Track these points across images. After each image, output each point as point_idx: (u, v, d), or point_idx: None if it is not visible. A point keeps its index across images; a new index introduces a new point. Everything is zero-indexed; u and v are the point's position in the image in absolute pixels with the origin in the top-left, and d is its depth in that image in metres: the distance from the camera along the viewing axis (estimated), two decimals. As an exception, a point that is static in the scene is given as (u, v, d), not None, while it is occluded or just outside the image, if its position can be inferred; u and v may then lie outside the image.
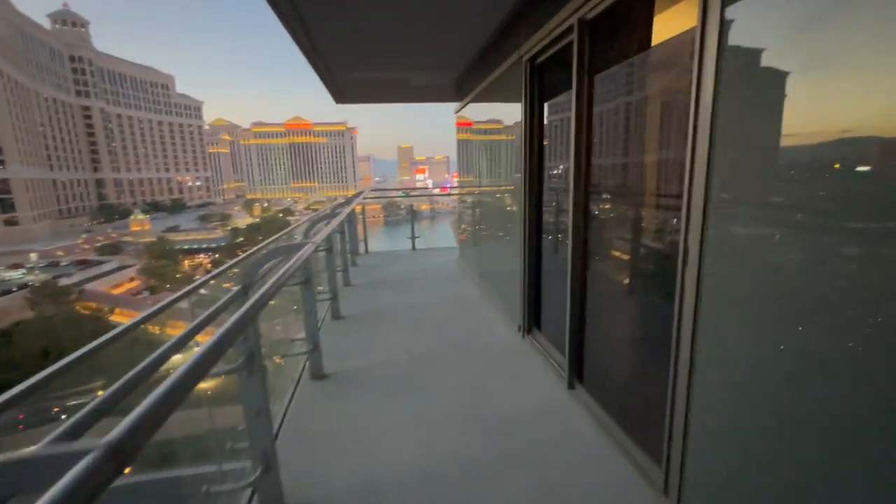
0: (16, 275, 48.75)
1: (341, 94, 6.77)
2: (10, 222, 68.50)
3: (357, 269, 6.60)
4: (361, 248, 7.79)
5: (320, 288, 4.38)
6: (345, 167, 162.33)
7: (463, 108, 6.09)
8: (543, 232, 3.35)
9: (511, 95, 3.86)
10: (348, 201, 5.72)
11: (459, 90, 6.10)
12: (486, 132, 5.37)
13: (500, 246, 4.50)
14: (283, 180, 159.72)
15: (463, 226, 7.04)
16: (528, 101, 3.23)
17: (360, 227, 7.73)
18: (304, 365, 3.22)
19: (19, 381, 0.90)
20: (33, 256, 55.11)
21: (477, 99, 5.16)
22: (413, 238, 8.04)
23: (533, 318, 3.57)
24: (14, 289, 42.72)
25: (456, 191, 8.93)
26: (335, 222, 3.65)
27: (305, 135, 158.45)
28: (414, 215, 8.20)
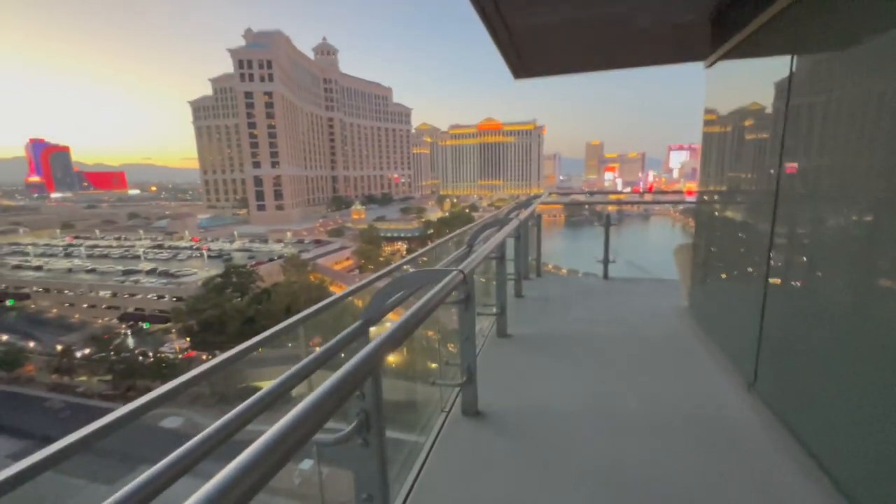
0: (278, 247, 65.23)
1: (521, 62, 4.91)
2: (279, 208, 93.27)
3: (521, 305, 4.67)
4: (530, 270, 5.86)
5: (448, 360, 2.72)
6: (530, 165, 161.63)
7: (722, 56, 3.48)
8: None
9: None
10: (511, 212, 3.85)
11: (718, 29, 3.51)
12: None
13: (846, 323, 1.91)
14: (472, 178, 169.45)
15: (704, 251, 4.28)
16: None
17: (533, 239, 5.82)
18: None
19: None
20: (288, 234, 72.82)
21: (759, 36, 2.58)
22: (606, 262, 5.67)
23: None
24: (275, 258, 56.99)
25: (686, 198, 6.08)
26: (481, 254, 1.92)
27: (495, 135, 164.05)
28: (608, 226, 5.78)
